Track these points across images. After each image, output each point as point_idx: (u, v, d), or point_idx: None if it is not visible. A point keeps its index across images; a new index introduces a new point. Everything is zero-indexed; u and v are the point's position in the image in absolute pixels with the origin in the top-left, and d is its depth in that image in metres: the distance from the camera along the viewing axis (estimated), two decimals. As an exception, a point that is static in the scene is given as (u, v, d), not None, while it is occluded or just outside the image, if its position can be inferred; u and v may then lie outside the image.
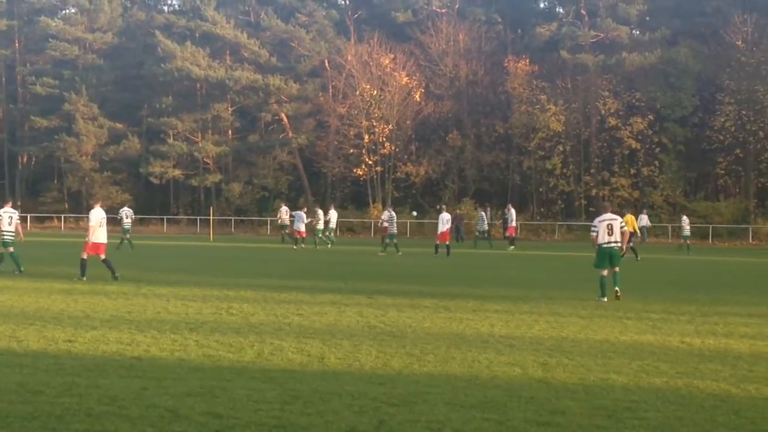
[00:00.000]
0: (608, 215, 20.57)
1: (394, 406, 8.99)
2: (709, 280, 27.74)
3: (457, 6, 79.22)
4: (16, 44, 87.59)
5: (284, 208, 52.15)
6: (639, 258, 36.49)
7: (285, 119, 79.03)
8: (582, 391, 9.87)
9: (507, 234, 50.54)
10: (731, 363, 11.81)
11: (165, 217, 76.60)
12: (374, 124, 72.14)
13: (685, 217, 50.87)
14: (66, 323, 14.95)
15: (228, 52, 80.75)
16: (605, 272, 20.10)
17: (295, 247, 44.53)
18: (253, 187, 78.78)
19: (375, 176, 73.42)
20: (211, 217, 61.52)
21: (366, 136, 72.33)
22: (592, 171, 70.64)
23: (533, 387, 10.10)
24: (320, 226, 47.52)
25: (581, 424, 8.39)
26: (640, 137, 68.26)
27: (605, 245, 20.14)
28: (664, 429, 8.26)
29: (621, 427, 8.29)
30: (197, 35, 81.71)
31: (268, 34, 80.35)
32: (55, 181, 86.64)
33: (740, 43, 67.85)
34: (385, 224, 42.92)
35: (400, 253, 38.90)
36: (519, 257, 40.23)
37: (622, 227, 20.48)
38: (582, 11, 75.11)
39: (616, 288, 19.99)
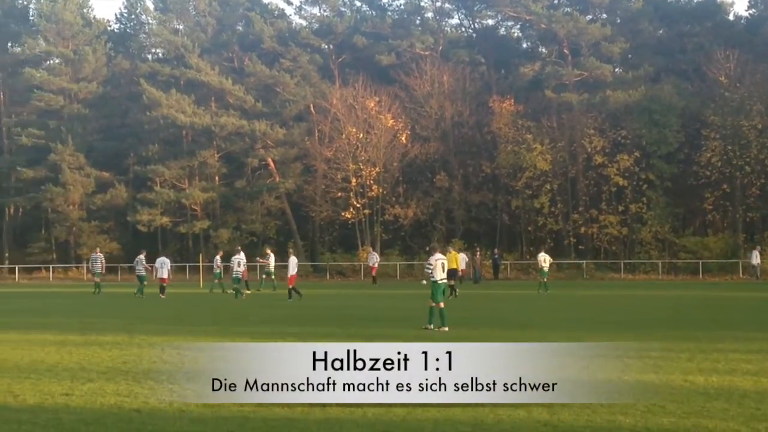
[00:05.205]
0: (439, 255, 23.51)
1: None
2: (704, 316, 27.67)
3: (440, 48, 79.46)
4: (1, 96, 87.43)
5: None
6: (457, 295, 36.24)
7: (272, 164, 78.99)
8: (590, 434, 9.76)
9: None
10: (737, 401, 11.71)
11: (151, 265, 75.88)
12: (361, 167, 72.09)
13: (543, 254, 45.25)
14: (62, 376, 14.74)
15: (213, 98, 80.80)
16: (434, 304, 22.64)
17: (162, 296, 41.59)
18: (242, 232, 78.41)
19: (363, 219, 73.24)
20: (200, 264, 61.09)
21: (353, 179, 72.28)
22: (580, 209, 70.61)
23: (539, 430, 9.97)
24: (271, 268, 48.04)
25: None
26: (626, 174, 68.33)
27: (441, 281, 23.02)
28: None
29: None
30: (182, 82, 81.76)
31: (253, 79, 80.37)
32: (43, 232, 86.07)
33: (723, 78, 68.19)
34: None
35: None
36: (506, 297, 40.09)
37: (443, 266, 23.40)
38: (565, 50, 75.50)
39: (445, 327, 22.16)
